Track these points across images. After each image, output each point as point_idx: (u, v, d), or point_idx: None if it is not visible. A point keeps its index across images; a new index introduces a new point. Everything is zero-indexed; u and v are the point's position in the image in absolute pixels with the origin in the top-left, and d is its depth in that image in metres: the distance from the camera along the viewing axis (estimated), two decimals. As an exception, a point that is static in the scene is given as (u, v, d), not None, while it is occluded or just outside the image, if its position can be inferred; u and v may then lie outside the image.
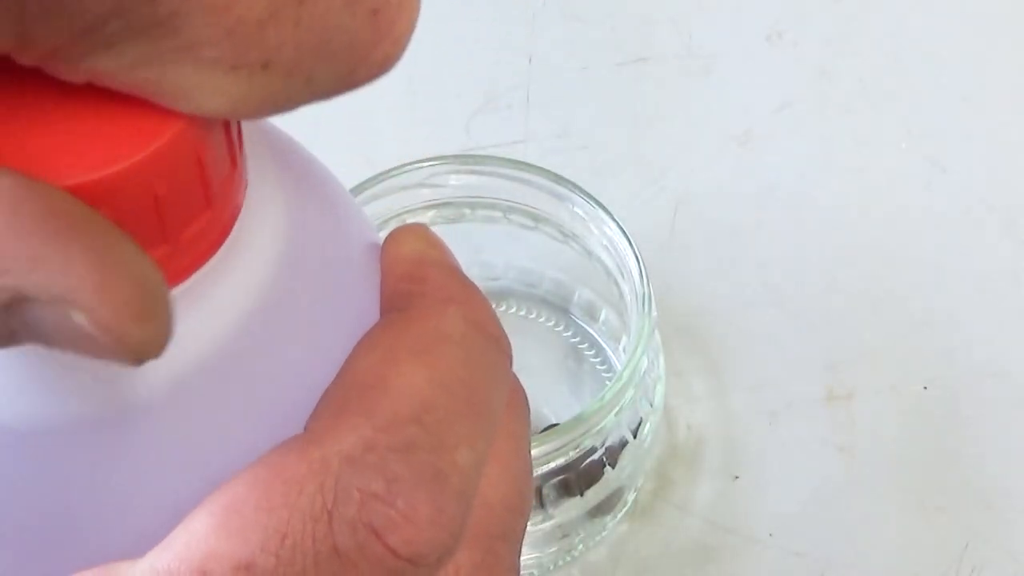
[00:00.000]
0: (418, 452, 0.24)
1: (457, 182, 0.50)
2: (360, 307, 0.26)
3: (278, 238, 0.24)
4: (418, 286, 0.26)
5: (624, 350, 0.51)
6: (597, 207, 0.49)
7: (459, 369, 0.25)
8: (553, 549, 0.49)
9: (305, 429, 0.24)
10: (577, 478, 0.47)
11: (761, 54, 0.62)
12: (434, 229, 0.28)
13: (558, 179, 0.50)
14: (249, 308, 0.24)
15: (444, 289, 0.26)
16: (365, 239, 0.27)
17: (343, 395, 0.24)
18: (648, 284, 0.47)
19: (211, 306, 0.23)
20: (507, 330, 0.27)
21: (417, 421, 0.24)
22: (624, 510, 0.50)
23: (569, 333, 0.54)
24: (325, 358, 0.25)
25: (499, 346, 0.26)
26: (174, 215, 0.22)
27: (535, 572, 0.50)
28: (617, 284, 0.50)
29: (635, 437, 0.48)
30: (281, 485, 0.23)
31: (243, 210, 0.24)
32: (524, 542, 0.49)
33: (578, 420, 0.45)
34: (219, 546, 0.23)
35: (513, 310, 0.54)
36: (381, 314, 0.26)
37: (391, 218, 0.50)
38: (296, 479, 0.23)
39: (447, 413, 0.24)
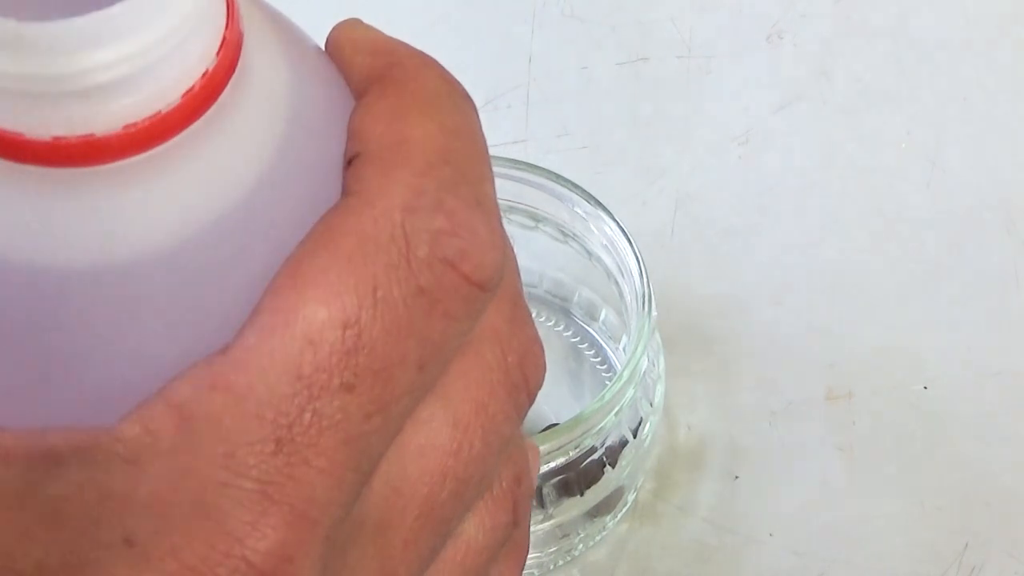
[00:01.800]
0: (458, 187, 0.26)
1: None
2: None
3: (287, 74, 0.26)
4: (389, 57, 0.28)
5: (624, 350, 0.51)
6: (597, 207, 0.49)
7: (456, 117, 0.27)
8: (553, 549, 0.49)
9: (346, 195, 0.26)
10: (577, 478, 0.47)
11: (761, 54, 0.62)
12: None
13: (558, 179, 0.50)
14: (278, 142, 0.25)
15: (412, 56, 0.28)
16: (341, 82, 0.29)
17: (372, 158, 0.26)
18: (648, 284, 0.47)
19: (245, 137, 0.25)
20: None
21: (446, 163, 0.26)
22: (624, 510, 0.50)
23: (569, 333, 0.54)
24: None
25: (468, 96, 0.28)
26: None
27: (535, 572, 0.49)
28: (617, 284, 0.50)
29: (635, 437, 0.48)
30: (357, 245, 0.25)
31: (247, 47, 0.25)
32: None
33: (578, 420, 0.45)
34: (317, 313, 0.24)
35: (513, 310, 0.54)
36: (356, 93, 0.28)
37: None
38: (368, 237, 0.25)
39: (463, 154, 0.27)
